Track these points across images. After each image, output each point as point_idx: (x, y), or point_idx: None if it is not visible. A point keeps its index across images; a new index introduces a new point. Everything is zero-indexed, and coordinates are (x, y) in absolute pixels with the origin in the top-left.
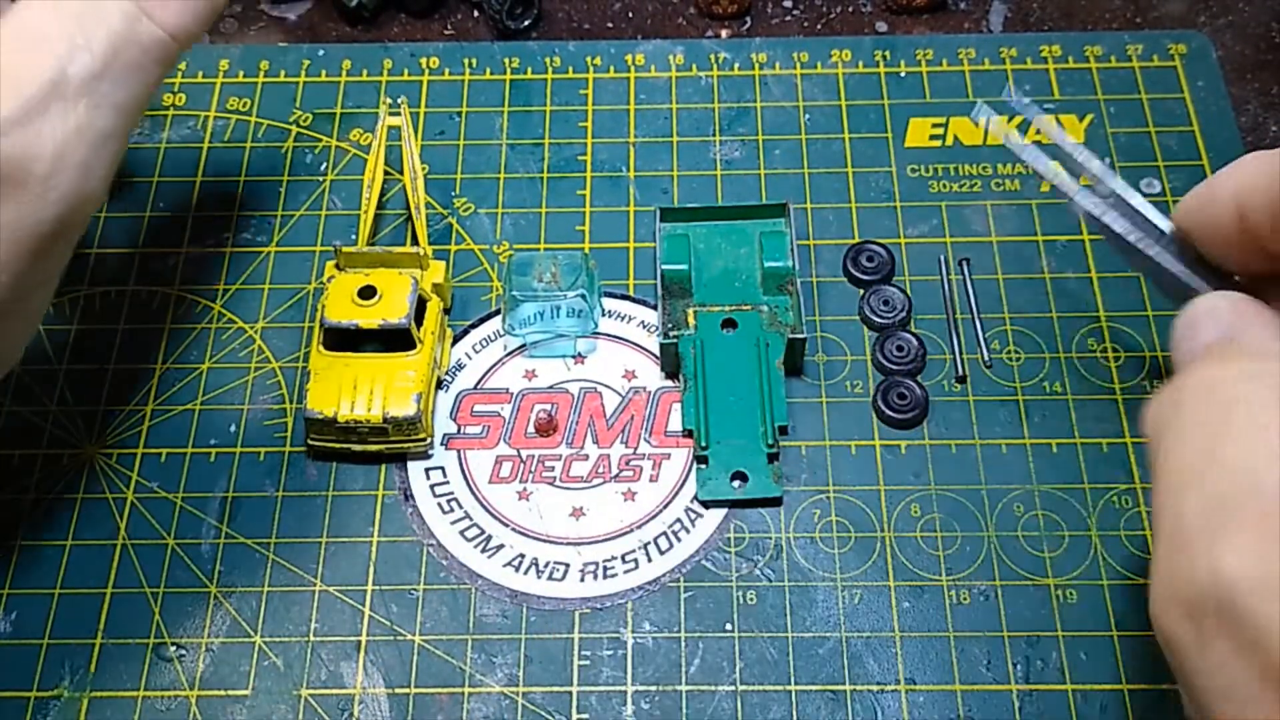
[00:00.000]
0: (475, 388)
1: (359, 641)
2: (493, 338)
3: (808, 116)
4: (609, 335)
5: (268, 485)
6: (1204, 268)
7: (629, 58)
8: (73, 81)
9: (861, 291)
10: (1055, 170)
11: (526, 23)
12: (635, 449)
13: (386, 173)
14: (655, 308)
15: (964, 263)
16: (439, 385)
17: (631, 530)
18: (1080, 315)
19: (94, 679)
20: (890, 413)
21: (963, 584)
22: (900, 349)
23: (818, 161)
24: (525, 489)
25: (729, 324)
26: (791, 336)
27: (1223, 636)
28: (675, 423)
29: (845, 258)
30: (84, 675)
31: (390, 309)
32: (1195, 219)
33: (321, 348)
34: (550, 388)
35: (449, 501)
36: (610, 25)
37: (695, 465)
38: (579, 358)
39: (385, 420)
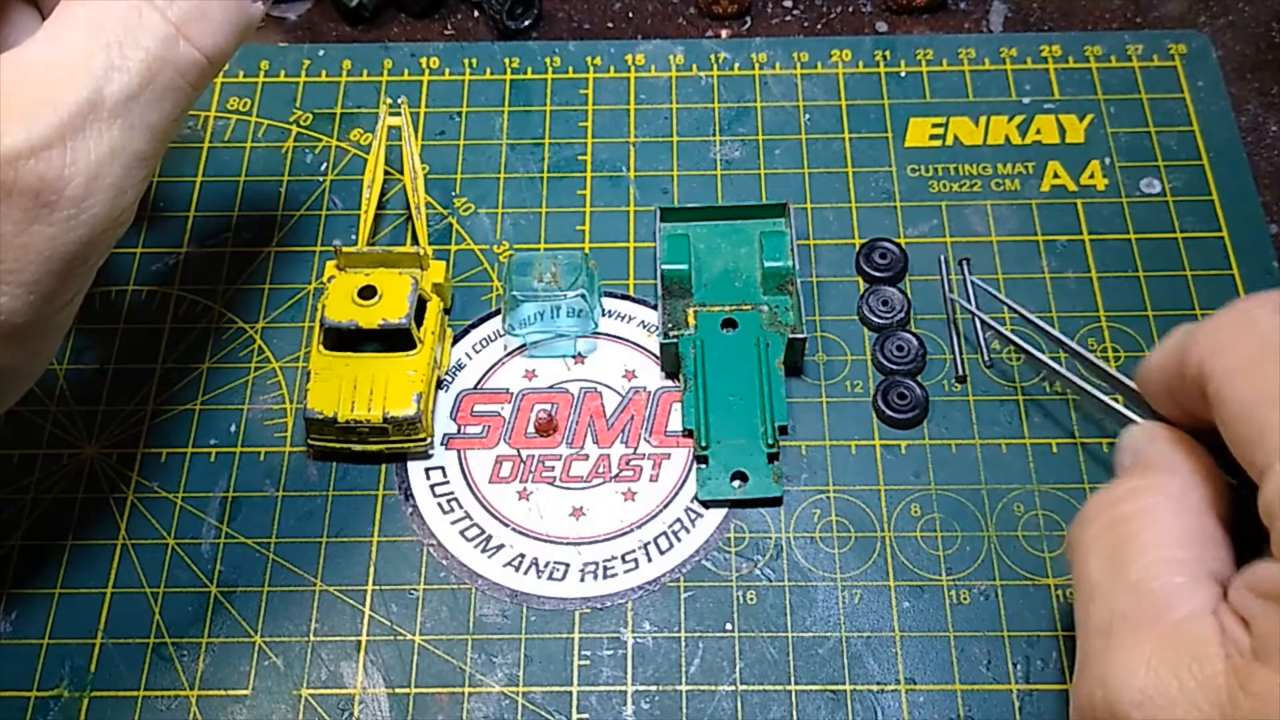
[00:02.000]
0: (475, 388)
1: (359, 641)
2: (493, 338)
3: (808, 116)
4: (609, 335)
5: (268, 485)
6: (1151, 414)
7: (629, 58)
8: (108, 102)
9: (861, 291)
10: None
11: (526, 23)
12: (635, 449)
13: (386, 173)
14: (655, 308)
15: (964, 262)
16: (439, 385)
17: (631, 530)
18: (1080, 315)
19: (94, 679)
20: (890, 413)
21: (963, 584)
22: (900, 349)
23: (818, 161)
24: (525, 489)
25: (729, 324)
26: (791, 336)
27: None
28: (675, 423)
29: (859, 255)
30: (84, 675)
31: (390, 309)
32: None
33: (321, 348)
34: (550, 388)
35: (449, 501)
36: (610, 25)
37: (695, 465)
38: (579, 358)
39: (385, 420)
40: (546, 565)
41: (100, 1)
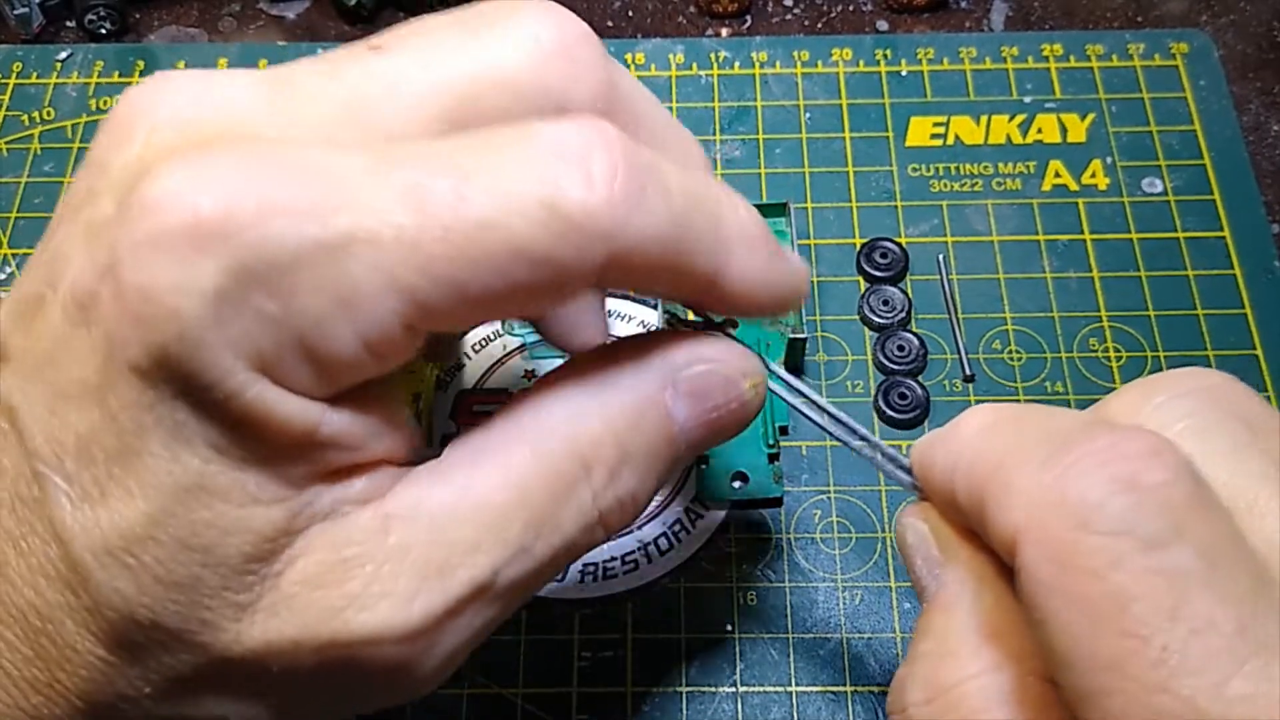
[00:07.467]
0: (475, 388)
1: None
2: (493, 338)
3: (808, 115)
4: (609, 335)
5: None
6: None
7: (629, 57)
8: (499, 585)
9: (862, 291)
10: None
11: None
12: None
13: None
14: (655, 307)
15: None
16: (438, 385)
17: (631, 531)
18: (1081, 315)
19: None
20: (891, 413)
21: None
22: (901, 349)
23: (818, 161)
24: None
25: (729, 324)
26: (792, 336)
27: None
28: None
29: (859, 254)
30: None
31: None
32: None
33: None
34: None
35: None
36: (610, 24)
37: (695, 465)
38: None
39: None
40: None
41: (537, 454)
